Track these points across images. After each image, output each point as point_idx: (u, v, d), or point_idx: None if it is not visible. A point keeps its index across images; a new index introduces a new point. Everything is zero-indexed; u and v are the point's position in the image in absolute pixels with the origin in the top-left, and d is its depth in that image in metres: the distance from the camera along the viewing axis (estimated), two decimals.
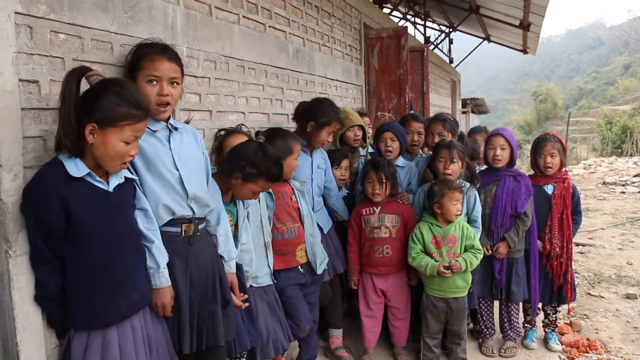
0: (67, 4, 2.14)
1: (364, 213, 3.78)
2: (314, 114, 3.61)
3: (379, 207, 3.75)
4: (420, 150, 4.54)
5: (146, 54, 2.28)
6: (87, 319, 1.99)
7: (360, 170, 4.10)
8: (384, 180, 3.67)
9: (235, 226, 2.86)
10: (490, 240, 3.89)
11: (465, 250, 3.57)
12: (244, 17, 3.51)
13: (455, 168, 3.69)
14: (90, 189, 1.99)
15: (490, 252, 3.86)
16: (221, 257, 2.61)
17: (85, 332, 2.00)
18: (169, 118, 2.40)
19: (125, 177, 2.15)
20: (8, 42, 1.88)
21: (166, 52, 2.32)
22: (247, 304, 2.80)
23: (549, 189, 3.98)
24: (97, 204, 2.00)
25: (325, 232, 3.77)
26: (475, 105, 22.47)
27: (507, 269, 3.91)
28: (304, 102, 3.80)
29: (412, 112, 5.33)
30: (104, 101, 1.92)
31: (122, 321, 2.07)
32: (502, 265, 3.90)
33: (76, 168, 1.94)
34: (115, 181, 2.08)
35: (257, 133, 2.96)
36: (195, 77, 3.02)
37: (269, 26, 3.86)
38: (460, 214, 3.64)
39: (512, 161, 3.95)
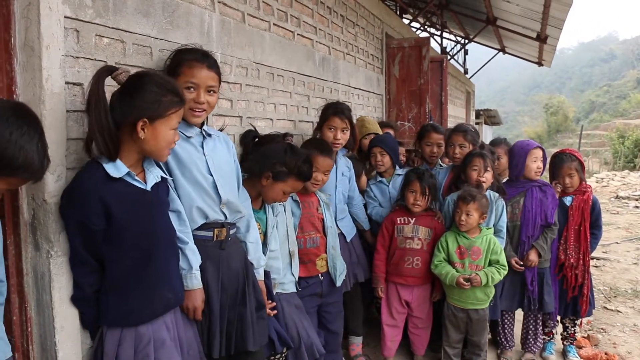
0: (112, 9, 2.17)
1: (398, 222, 3.78)
2: (319, 116, 3.65)
3: (414, 218, 3.75)
4: (440, 160, 4.54)
5: (186, 60, 2.30)
6: (121, 316, 2.00)
7: (367, 187, 4.16)
8: (427, 193, 3.68)
9: (264, 234, 2.88)
10: (520, 252, 3.87)
11: (490, 264, 3.55)
12: (274, 24, 3.53)
13: (488, 177, 3.70)
14: (129, 188, 2.00)
15: (520, 266, 3.82)
16: (250, 264, 2.62)
17: (118, 329, 2.01)
18: (202, 124, 2.42)
19: (161, 177, 2.16)
20: (57, 45, 1.91)
21: (206, 59, 2.33)
22: (275, 312, 2.81)
23: (567, 200, 3.98)
24: (136, 203, 2.01)
25: (348, 240, 3.77)
26: (488, 117, 22.41)
27: (538, 279, 3.89)
28: None
29: (431, 122, 5.31)
30: (148, 95, 1.94)
31: (155, 319, 2.08)
32: (534, 275, 3.87)
33: (115, 169, 1.95)
34: (152, 180, 2.10)
35: (285, 134, 2.97)
36: (228, 82, 3.04)
37: (298, 34, 3.89)
38: (490, 228, 3.65)
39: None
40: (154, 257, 2.06)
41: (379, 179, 4.11)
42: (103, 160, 1.95)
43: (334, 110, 3.58)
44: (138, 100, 1.93)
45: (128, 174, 2.00)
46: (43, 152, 1.62)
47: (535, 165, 3.91)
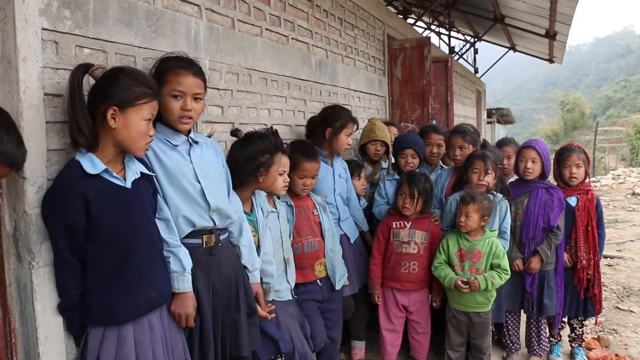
0: (92, 19, 2.18)
1: (394, 226, 3.74)
2: (330, 120, 3.62)
3: (410, 222, 3.71)
4: (441, 162, 4.50)
5: (171, 68, 2.29)
6: (103, 315, 2.00)
7: (380, 181, 4.15)
8: (415, 196, 3.62)
9: (257, 235, 2.86)
10: (521, 254, 3.82)
11: (492, 268, 3.50)
12: (266, 29, 3.53)
13: (489, 179, 3.65)
14: (107, 185, 2.00)
15: (521, 267, 3.80)
16: (245, 267, 2.61)
17: (101, 327, 2.01)
18: (189, 132, 2.42)
19: (142, 173, 2.15)
20: (35, 57, 1.92)
21: (191, 66, 2.33)
22: (273, 315, 2.79)
23: (572, 201, 3.90)
24: (114, 200, 2.01)
25: (351, 241, 3.76)
26: (500, 116, 22.21)
27: (538, 282, 3.84)
28: (313, 116, 3.83)
29: (432, 123, 5.29)
30: (120, 84, 1.96)
31: (139, 318, 2.08)
32: (534, 278, 3.82)
33: (92, 165, 1.96)
34: (131, 177, 2.09)
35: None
36: (218, 89, 3.04)
37: (292, 38, 3.88)
38: (494, 230, 3.60)
39: (543, 174, 3.88)
40: (135, 254, 2.06)
41: (395, 176, 4.06)
42: (81, 158, 1.97)
43: (351, 117, 3.69)
44: (111, 88, 1.96)
45: (106, 170, 2.00)
46: (18, 140, 1.76)
47: (522, 165, 3.87)
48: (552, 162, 3.98)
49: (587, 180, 3.96)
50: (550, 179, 3.98)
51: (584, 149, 3.97)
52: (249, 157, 2.72)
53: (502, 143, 4.81)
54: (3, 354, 1.93)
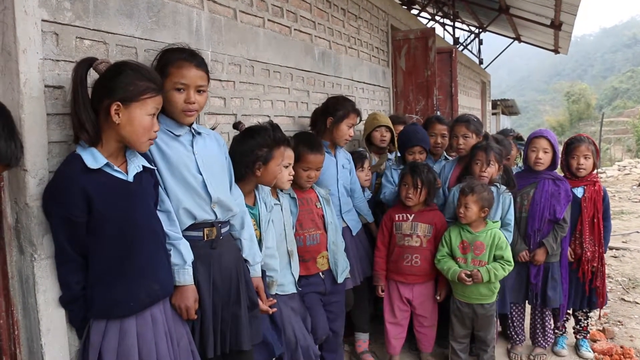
0: (92, 11, 2.16)
1: (397, 219, 3.71)
2: (332, 109, 3.61)
3: (413, 215, 3.68)
4: (445, 153, 4.48)
5: (174, 60, 2.26)
6: (106, 308, 1.99)
7: (386, 170, 4.14)
8: (419, 186, 3.59)
9: (259, 230, 2.85)
10: (527, 245, 3.80)
11: (495, 259, 3.48)
12: (269, 20, 3.51)
13: (491, 171, 3.62)
14: (109, 179, 1.99)
15: (527, 259, 3.78)
16: (246, 261, 2.60)
17: (103, 321, 2.00)
18: (192, 123, 2.40)
19: (144, 167, 2.14)
20: (35, 49, 1.91)
21: (194, 58, 2.30)
22: (274, 309, 2.77)
23: (578, 192, 3.86)
24: (117, 194, 2.00)
25: (354, 233, 3.74)
26: (505, 107, 22.12)
27: (543, 274, 3.81)
28: (318, 107, 3.81)
29: (435, 114, 5.26)
30: (123, 78, 1.94)
31: (142, 312, 2.07)
32: (539, 269, 3.80)
33: (93, 159, 1.95)
34: (133, 170, 2.08)
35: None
36: (220, 81, 3.02)
37: (295, 29, 3.86)
38: (496, 221, 3.57)
39: (553, 164, 3.84)
40: (137, 248, 2.05)
41: (402, 165, 4.05)
42: (82, 152, 1.95)
43: (353, 108, 3.66)
44: (115, 83, 1.94)
45: (107, 164, 1.99)
46: (6, 134, 1.69)
47: (534, 155, 3.81)
48: (560, 153, 3.95)
49: (595, 172, 3.93)
50: (557, 170, 3.95)
51: (593, 141, 3.92)
52: (246, 151, 2.69)
53: (503, 134, 4.79)
54: (6, 346, 1.94)
